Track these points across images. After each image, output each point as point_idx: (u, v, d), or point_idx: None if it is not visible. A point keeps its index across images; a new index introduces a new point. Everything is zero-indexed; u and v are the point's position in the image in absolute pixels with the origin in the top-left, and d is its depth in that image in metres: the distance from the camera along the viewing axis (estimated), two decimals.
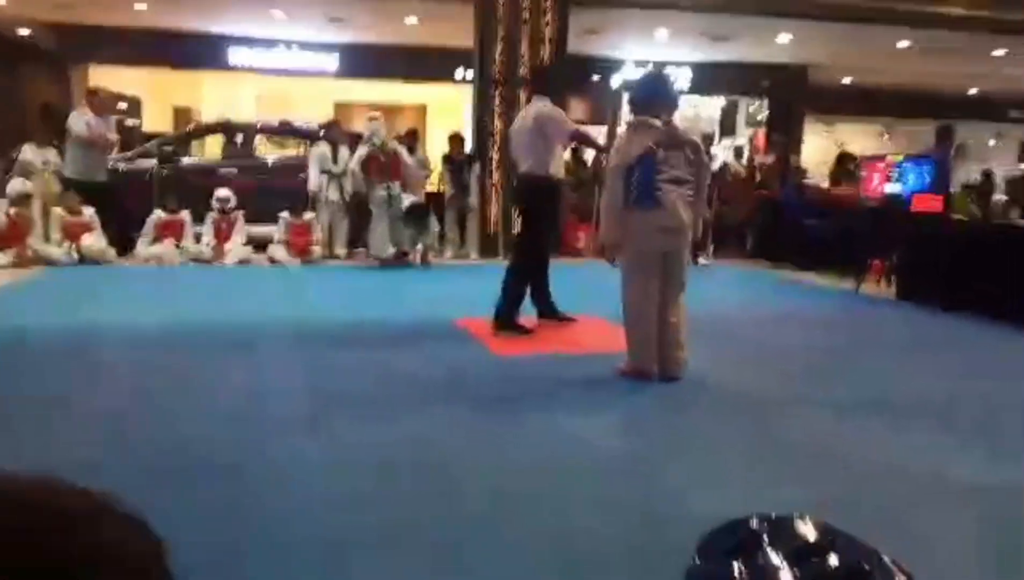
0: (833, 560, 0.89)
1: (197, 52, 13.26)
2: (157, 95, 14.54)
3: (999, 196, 9.49)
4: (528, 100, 5.39)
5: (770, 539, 0.93)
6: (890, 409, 3.69)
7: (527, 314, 5.20)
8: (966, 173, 11.12)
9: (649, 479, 2.79)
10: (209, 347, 4.51)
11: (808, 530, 0.93)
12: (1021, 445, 3.22)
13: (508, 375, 4.15)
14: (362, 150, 8.08)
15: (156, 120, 13.98)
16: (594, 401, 3.72)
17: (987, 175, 10.00)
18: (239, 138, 9.92)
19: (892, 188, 7.46)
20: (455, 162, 9.09)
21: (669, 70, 13.93)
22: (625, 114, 15.45)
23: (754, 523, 0.93)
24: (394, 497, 2.55)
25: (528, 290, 5.19)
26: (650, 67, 14.42)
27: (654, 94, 4.04)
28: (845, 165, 10.15)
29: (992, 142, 18.32)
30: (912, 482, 2.79)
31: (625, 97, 4.32)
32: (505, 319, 5.01)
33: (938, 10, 10.67)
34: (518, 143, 5.16)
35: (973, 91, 16.85)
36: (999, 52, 12.74)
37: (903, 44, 12.37)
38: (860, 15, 10.73)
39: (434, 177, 9.99)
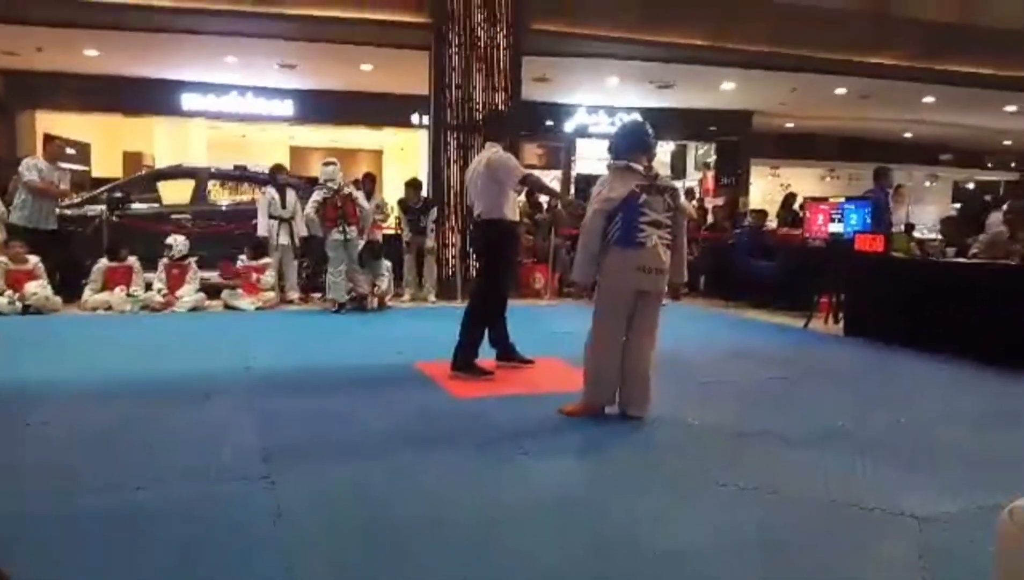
0: None
1: (149, 97, 13.18)
2: (107, 140, 14.35)
3: (932, 235, 9.94)
4: (482, 146, 5.49)
5: None
6: (838, 442, 3.79)
7: (486, 356, 5.21)
8: (905, 214, 11.62)
9: (604, 515, 2.80)
10: (160, 397, 4.40)
11: None
12: (964, 475, 3.32)
13: (467, 417, 4.14)
14: (317, 194, 8.08)
15: (106, 165, 13.77)
16: (554, 441, 3.74)
17: (910, 226, 10.53)
18: (192, 183, 9.84)
19: (835, 228, 7.74)
20: (412, 207, 9.16)
21: (620, 115, 14.36)
22: (581, 158, 15.81)
23: None
24: (346, 545, 2.51)
25: (487, 332, 5.22)
26: (601, 113, 14.88)
27: (634, 142, 4.15)
28: (790, 206, 10.50)
29: (927, 184, 19.20)
30: (862, 515, 2.86)
31: (606, 144, 4.43)
32: (464, 362, 5.02)
33: (871, 60, 11.28)
34: (472, 188, 5.24)
35: (907, 135, 17.72)
36: (928, 99, 13.48)
37: (840, 91, 13.00)
38: (798, 64, 11.27)
39: (391, 221, 10.04)
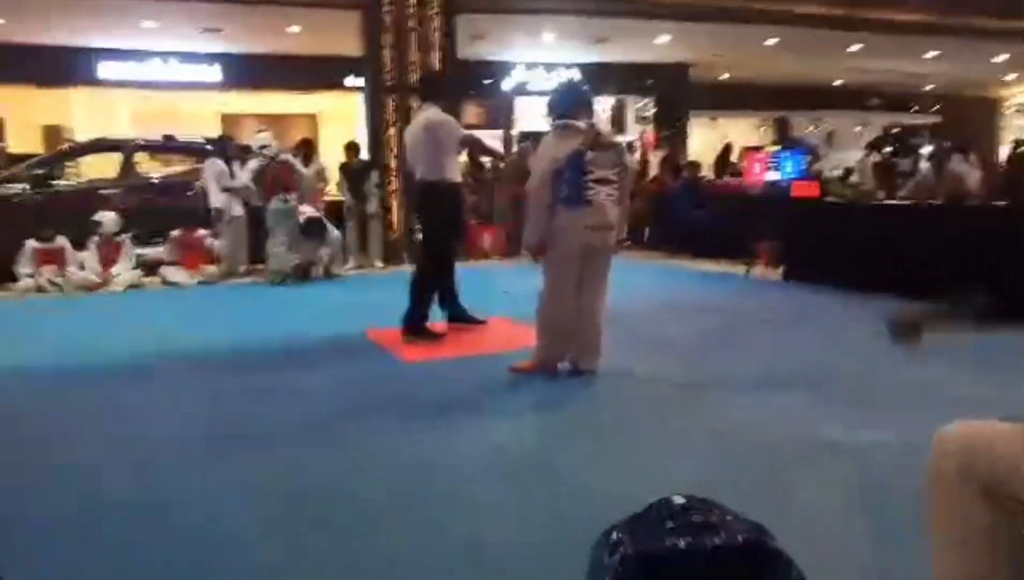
0: (721, 537, 1.06)
1: (63, 67, 12.45)
2: (22, 113, 13.57)
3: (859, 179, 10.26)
4: (419, 107, 5.40)
5: (669, 522, 1.11)
6: (781, 385, 3.94)
7: (437, 319, 5.21)
8: (837, 159, 11.96)
9: (556, 472, 2.87)
10: (103, 379, 4.28)
11: (699, 510, 1.11)
12: (900, 409, 3.50)
13: (420, 381, 4.16)
14: (253, 163, 7.85)
15: (23, 141, 13.05)
16: (508, 399, 3.79)
17: (848, 170, 10.86)
18: (117, 156, 9.42)
19: (772, 176, 7.93)
20: (352, 171, 8.98)
21: (558, 71, 14.28)
22: (521, 116, 15.67)
23: (655, 508, 1.12)
24: (306, 520, 2.51)
25: (436, 295, 5.21)
26: (539, 69, 14.76)
27: (574, 100, 4.14)
28: (727, 157, 10.68)
29: (858, 129, 19.71)
30: (791, 450, 3.00)
31: (545, 104, 4.40)
32: (414, 326, 5.01)
33: (797, 9, 11.43)
34: (412, 150, 5.16)
35: (838, 83, 18.11)
36: (855, 47, 13.77)
37: (771, 41, 13.17)
38: (728, 15, 11.36)
39: (332, 187, 9.83)
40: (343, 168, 9.10)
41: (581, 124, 4.03)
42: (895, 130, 18.95)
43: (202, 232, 8.19)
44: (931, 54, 14.53)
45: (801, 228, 7.29)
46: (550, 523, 2.42)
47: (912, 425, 3.17)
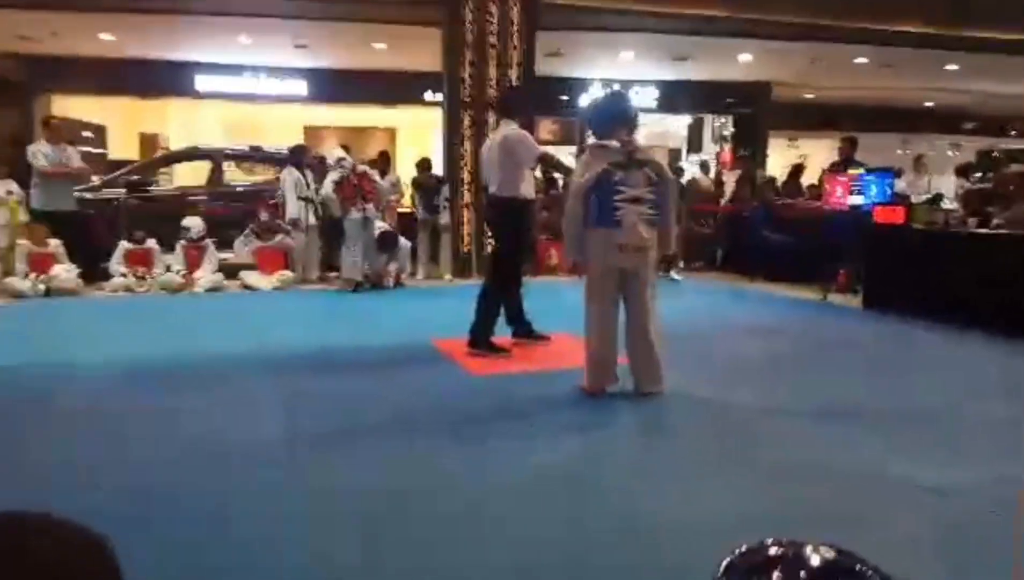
0: None
1: (163, 80, 13.19)
2: (123, 122, 14.41)
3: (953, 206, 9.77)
4: (497, 123, 5.46)
5: (785, 565, 0.96)
6: (855, 416, 3.78)
7: (502, 333, 5.23)
8: (927, 184, 11.42)
9: (624, 495, 2.82)
10: (182, 380, 4.46)
11: (821, 556, 0.96)
12: (984, 449, 3.30)
13: (484, 395, 4.17)
14: (334, 174, 8.11)
15: (122, 147, 13.85)
16: (569, 418, 3.76)
17: (938, 196, 10.39)
18: (207, 165, 9.89)
19: (855, 200, 7.64)
20: (424, 185, 9.17)
21: (636, 89, 14.20)
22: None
23: (772, 549, 0.96)
24: (375, 525, 2.55)
25: (503, 309, 5.23)
26: (616, 87, 14.71)
27: (610, 115, 4.11)
28: (798, 177, 10.39)
29: (950, 153, 18.83)
30: (882, 489, 2.85)
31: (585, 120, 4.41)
32: (480, 339, 5.04)
33: (893, 28, 11.03)
34: (488, 165, 5.23)
35: (929, 104, 17.36)
36: (951, 67, 13.18)
37: (860, 60, 12.74)
38: (817, 34, 11.04)
39: (406, 200, 10.05)
40: (415, 183, 9.31)
41: (614, 143, 3.97)
42: (995, 154, 18.01)
43: (279, 237, 8.50)
44: None
45: (883, 254, 7.00)
46: (597, 546, 2.38)
47: (999, 467, 2.99)
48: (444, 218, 9.16)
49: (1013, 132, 19.57)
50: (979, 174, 10.87)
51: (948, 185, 11.62)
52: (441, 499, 2.74)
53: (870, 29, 10.99)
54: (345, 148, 8.82)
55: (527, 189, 5.15)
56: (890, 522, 2.56)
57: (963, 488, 2.81)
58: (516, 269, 5.29)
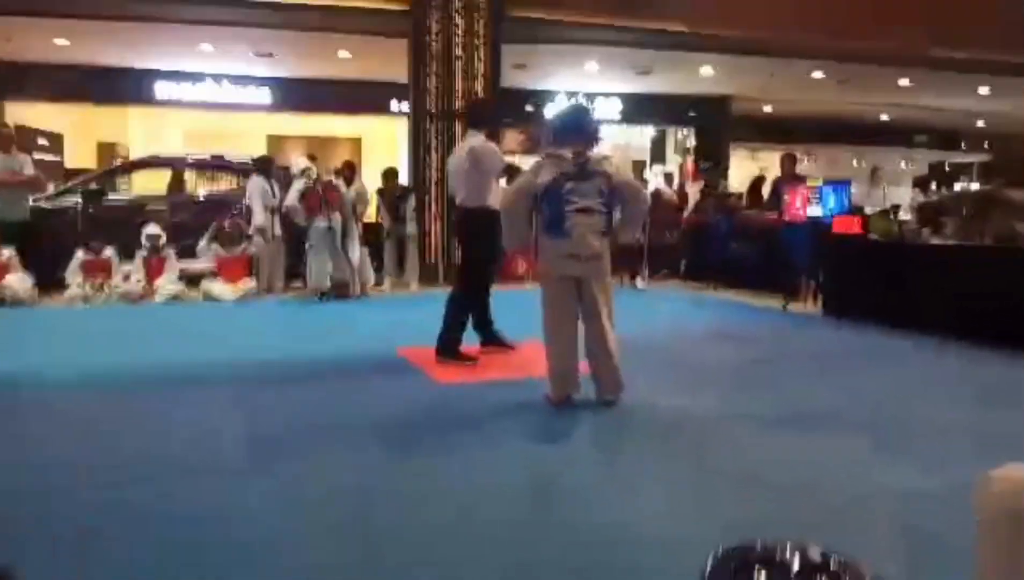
0: None
1: (121, 87, 12.97)
2: (80, 131, 14.11)
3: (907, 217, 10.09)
4: (463, 134, 5.48)
5: (767, 564, 0.98)
6: (817, 422, 3.86)
7: (470, 342, 5.23)
8: (882, 196, 11.75)
9: (589, 503, 2.84)
10: (141, 390, 4.38)
11: (801, 555, 0.97)
12: (941, 452, 3.40)
13: (451, 404, 4.17)
14: (299, 184, 8.04)
15: (79, 156, 13.55)
16: (535, 427, 3.77)
17: (895, 207, 10.73)
18: (167, 173, 9.73)
19: (813, 211, 7.82)
20: (390, 195, 9.15)
21: (599, 101, 14.36)
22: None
23: (755, 549, 0.97)
24: (338, 533, 2.53)
25: (470, 318, 5.24)
26: (580, 98, 14.86)
27: (567, 127, 4.15)
28: (759, 189, 10.62)
29: (903, 165, 19.40)
30: (841, 492, 2.92)
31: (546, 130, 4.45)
32: (448, 348, 5.04)
33: (847, 44, 11.35)
34: (455, 176, 5.25)
35: (884, 117, 17.87)
36: (904, 82, 13.61)
37: (817, 75, 13.08)
38: (775, 49, 11.32)
39: (371, 209, 10.00)
40: (380, 193, 9.28)
41: (567, 153, 4.00)
42: (947, 167, 18.61)
43: (242, 247, 8.40)
44: (983, 90, 14.27)
45: (841, 264, 7.18)
46: (580, 548, 2.40)
47: (953, 466, 3.08)
48: (411, 228, 9.14)
49: (963, 146, 20.24)
50: (934, 186, 11.26)
51: (902, 196, 11.98)
52: (402, 509, 2.73)
53: (825, 45, 11.31)
54: (312, 158, 8.74)
55: (494, 199, 5.16)
56: (857, 526, 2.61)
57: (922, 492, 2.88)
58: (483, 278, 5.30)
